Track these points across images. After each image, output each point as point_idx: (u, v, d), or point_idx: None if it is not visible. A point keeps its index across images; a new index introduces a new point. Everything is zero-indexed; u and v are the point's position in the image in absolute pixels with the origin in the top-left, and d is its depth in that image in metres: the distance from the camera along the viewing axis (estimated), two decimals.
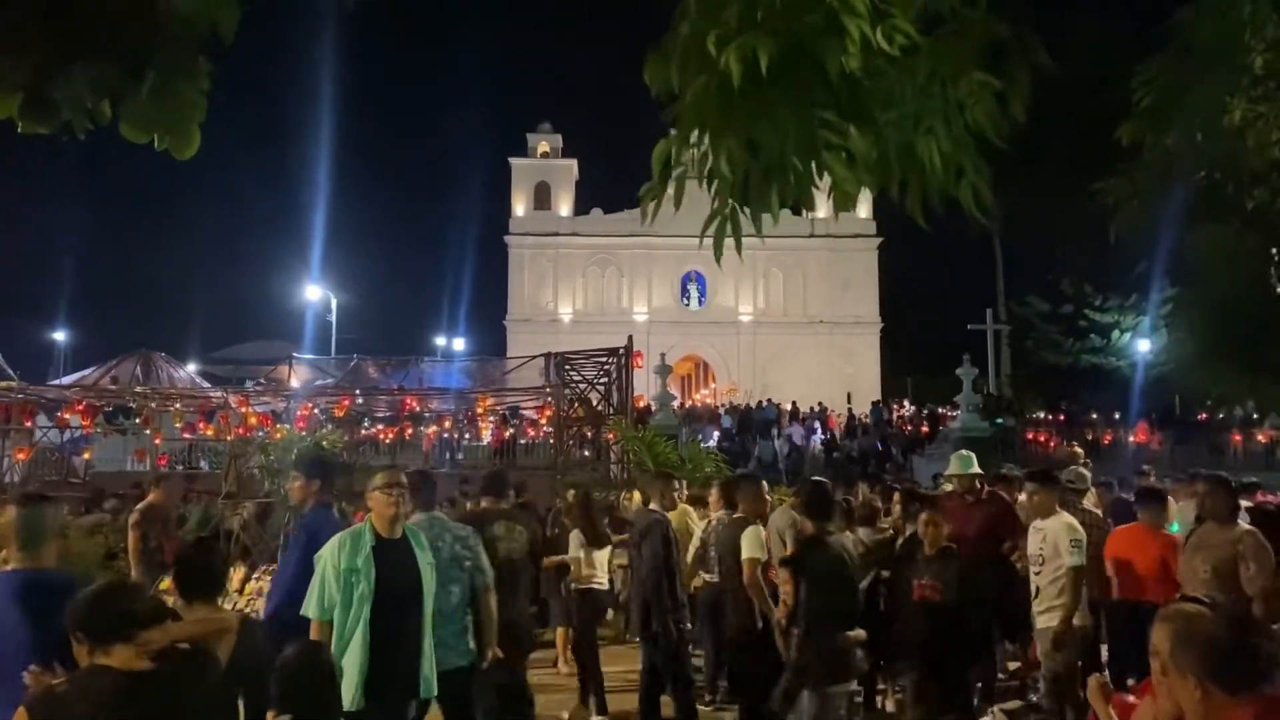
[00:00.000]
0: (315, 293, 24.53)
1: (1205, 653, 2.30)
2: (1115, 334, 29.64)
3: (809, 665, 4.96)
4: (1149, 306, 29.23)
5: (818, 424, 31.61)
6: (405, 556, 4.55)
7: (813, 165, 2.07)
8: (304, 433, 11.11)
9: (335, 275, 35.06)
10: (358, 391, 14.51)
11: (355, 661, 4.31)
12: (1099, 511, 7.16)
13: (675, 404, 38.13)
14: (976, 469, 7.34)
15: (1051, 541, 6.12)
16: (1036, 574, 6.22)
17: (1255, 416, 24.75)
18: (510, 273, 51.04)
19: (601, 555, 7.84)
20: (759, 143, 2.12)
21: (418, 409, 15.98)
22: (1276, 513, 7.53)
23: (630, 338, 14.61)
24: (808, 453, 27.98)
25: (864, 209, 51.19)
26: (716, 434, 29.99)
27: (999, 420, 22.87)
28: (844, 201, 2.11)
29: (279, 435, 10.97)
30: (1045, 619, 6.03)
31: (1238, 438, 23.07)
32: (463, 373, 16.17)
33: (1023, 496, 8.15)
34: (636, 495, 10.63)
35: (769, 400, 36.86)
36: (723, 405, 38.22)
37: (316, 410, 14.58)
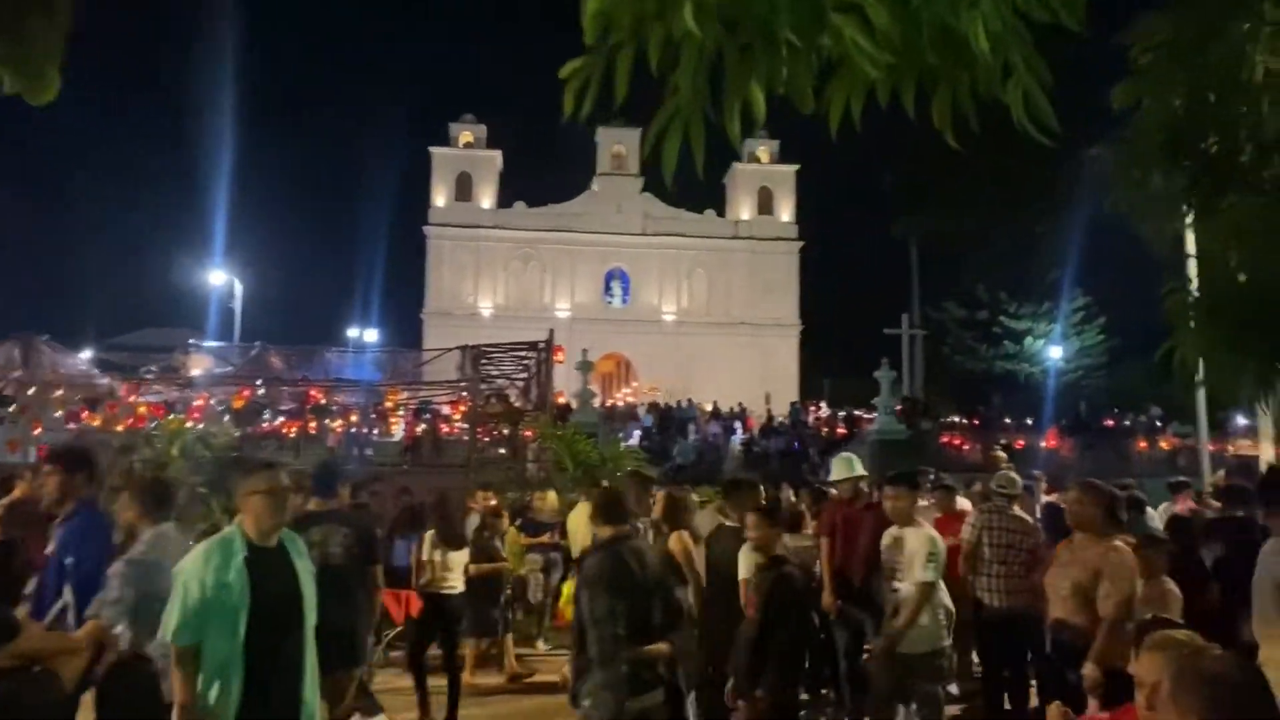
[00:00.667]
0: (219, 278, 23.26)
1: (1214, 696, 1.97)
2: (1028, 340, 30.37)
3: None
4: (1060, 315, 30.08)
5: (737, 424, 31.55)
6: (282, 566, 3.99)
7: (815, 41, 1.49)
8: (196, 425, 10.31)
9: (246, 262, 33.56)
10: (259, 382, 13.66)
11: (230, 691, 3.75)
12: (1028, 518, 6.94)
13: (596, 402, 37.78)
14: (860, 471, 7.02)
15: (909, 553, 5.79)
16: (895, 591, 5.86)
17: (1159, 424, 25.57)
18: (429, 265, 49.90)
19: (457, 558, 7.47)
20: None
21: (323, 402, 15.17)
22: (1188, 520, 7.43)
23: (551, 332, 14.11)
24: (727, 452, 27.83)
25: (786, 212, 51.73)
26: (638, 433, 29.68)
27: (925, 425, 23.05)
28: (853, 95, 1.53)
29: (174, 427, 10.18)
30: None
31: (1143, 444, 23.79)
32: (374, 365, 15.41)
33: (964, 502, 7.98)
34: (551, 495, 10.15)
35: (689, 400, 36.75)
36: (643, 404, 37.94)
37: (213, 402, 13.70)
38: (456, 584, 7.41)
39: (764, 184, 51.79)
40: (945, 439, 22.82)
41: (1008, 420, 24.97)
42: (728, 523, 6.18)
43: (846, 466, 7.03)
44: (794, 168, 51.59)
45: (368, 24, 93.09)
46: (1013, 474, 7.18)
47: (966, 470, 20.72)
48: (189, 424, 11.76)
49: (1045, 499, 8.71)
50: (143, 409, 12.98)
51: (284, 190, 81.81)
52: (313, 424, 17.54)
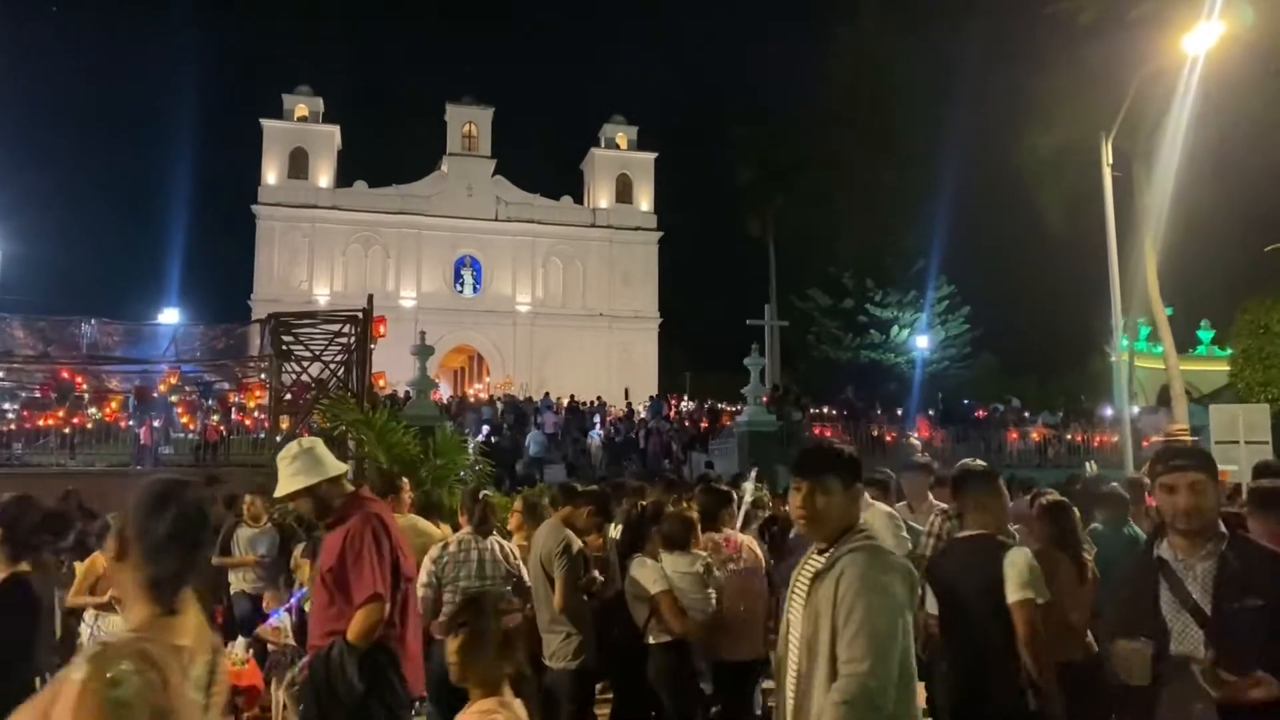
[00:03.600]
0: None
1: None
2: (894, 330, 29.68)
3: None
4: (925, 304, 29.55)
5: (597, 418, 29.57)
6: None
7: None
8: None
9: (21, 232, 28.76)
10: None
11: None
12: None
13: (444, 396, 34.90)
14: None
15: None
16: None
17: (1027, 415, 25.17)
18: (258, 246, 45.42)
19: None
20: None
21: (80, 384, 12.03)
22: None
23: (370, 298, 11.51)
24: (590, 448, 25.76)
25: (645, 201, 50.09)
26: (486, 428, 27.19)
27: (796, 415, 21.59)
28: None
29: None
30: None
31: (1014, 435, 23.21)
32: (151, 341, 12.36)
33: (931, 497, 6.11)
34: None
35: (546, 394, 34.54)
36: (499, 397, 35.46)
37: None
38: None
39: (623, 171, 49.95)
40: (816, 430, 21.42)
41: (879, 410, 23.95)
42: (969, 533, 3.89)
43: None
44: (653, 155, 50.01)
45: None
46: (978, 461, 5.29)
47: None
48: None
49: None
50: None
51: (80, 157, 73.24)
52: (77, 417, 14.24)
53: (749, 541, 5.31)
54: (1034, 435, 23.21)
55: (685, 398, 37.09)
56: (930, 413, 24.15)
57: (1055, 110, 19.92)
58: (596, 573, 5.16)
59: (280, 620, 6.62)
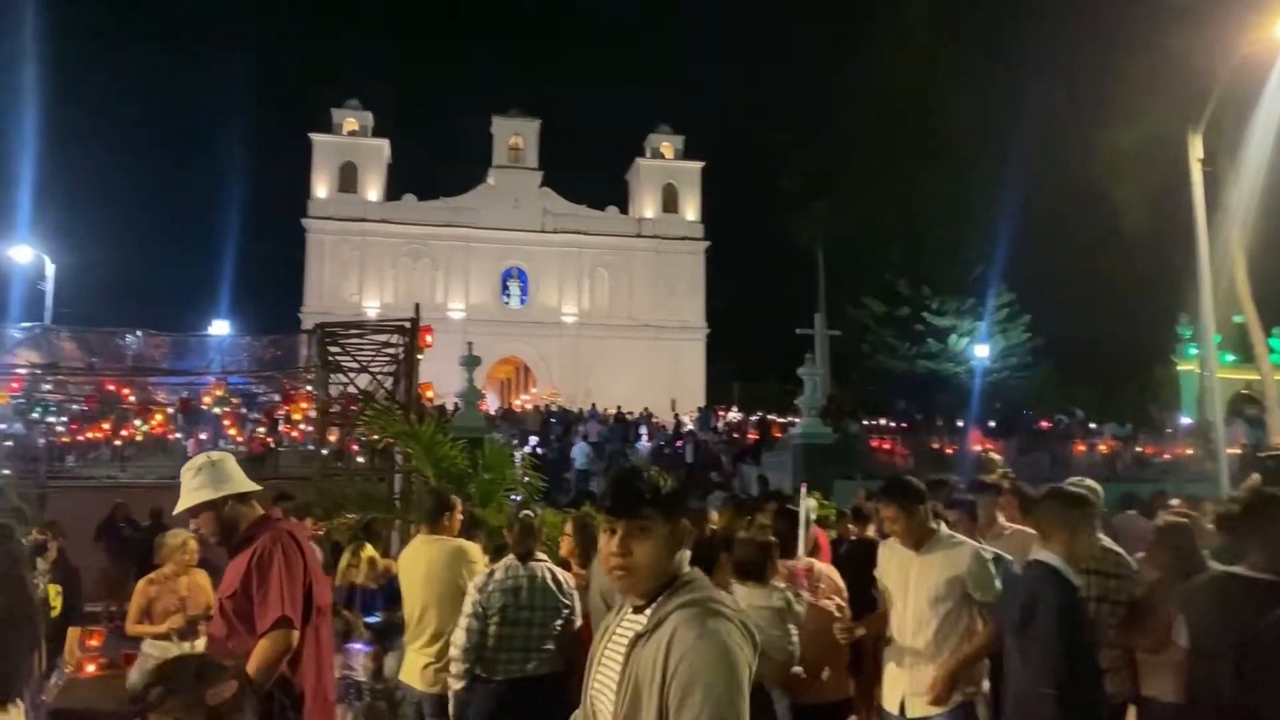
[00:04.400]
0: (25, 254, 19.22)
1: None
2: (952, 338, 28.75)
3: None
4: (985, 311, 28.59)
5: (643, 429, 29.17)
6: None
7: None
8: None
9: (75, 246, 29.11)
10: (26, 370, 10.36)
11: None
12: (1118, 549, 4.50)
13: (491, 406, 34.74)
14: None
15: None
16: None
17: (1094, 426, 24.20)
18: (308, 260, 45.86)
19: None
20: None
21: (127, 396, 11.89)
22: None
23: (417, 307, 11.22)
24: (635, 460, 25.32)
25: (691, 211, 49.67)
26: (534, 439, 26.92)
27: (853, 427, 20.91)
28: None
29: None
30: None
31: (1081, 447, 22.29)
32: (198, 353, 12.20)
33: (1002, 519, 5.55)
34: (364, 553, 7.27)
35: (593, 405, 34.25)
36: (547, 406, 35.27)
37: None
38: None
39: (668, 181, 49.60)
40: (874, 442, 20.74)
41: (939, 422, 23.16)
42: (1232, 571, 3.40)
43: None
44: (699, 164, 49.59)
45: None
46: (1092, 481, 4.74)
47: (898, 475, 18.64)
48: None
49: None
50: None
51: (133, 173, 74.52)
52: (127, 430, 14.18)
53: (828, 570, 4.81)
54: (1101, 448, 22.27)
55: (733, 408, 36.54)
56: (990, 424, 23.32)
57: (1132, 104, 18.97)
58: None
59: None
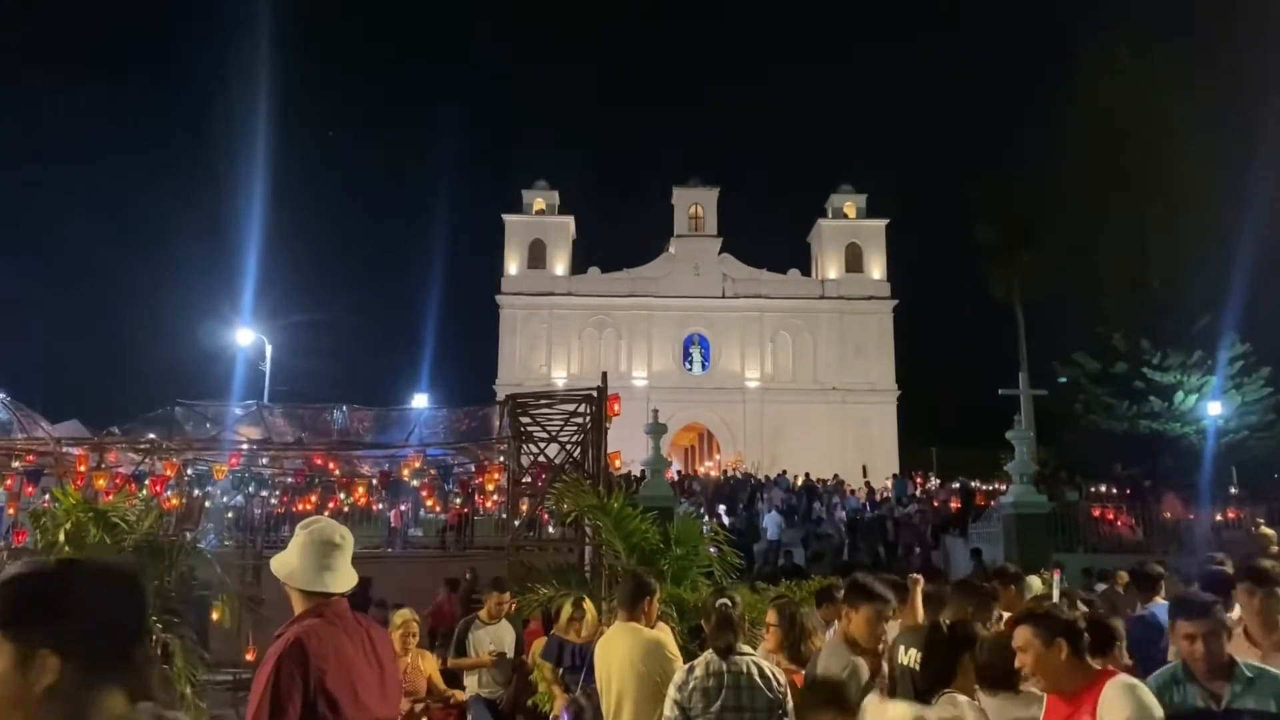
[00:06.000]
0: (247, 337, 21.00)
1: None
2: (1179, 395, 26.02)
3: None
4: (1216, 366, 25.75)
5: (836, 499, 28.00)
6: None
7: None
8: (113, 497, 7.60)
9: (292, 329, 31.60)
10: (195, 442, 10.98)
11: None
12: None
13: (674, 472, 34.54)
14: None
15: None
16: None
17: None
18: (501, 334, 47.83)
19: None
20: None
21: (333, 469, 12.39)
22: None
23: (604, 375, 11.10)
24: (829, 530, 24.32)
25: (877, 269, 48.30)
26: (723, 508, 26.34)
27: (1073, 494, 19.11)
28: None
29: (71, 499, 7.47)
30: None
31: None
32: (399, 426, 12.62)
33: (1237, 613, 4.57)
34: (587, 608, 6.98)
35: (783, 471, 33.36)
36: (733, 474, 34.67)
37: (190, 471, 11.05)
38: None
39: (852, 240, 48.55)
40: (1095, 511, 18.82)
41: (1170, 489, 20.82)
42: None
43: None
44: (884, 222, 48.32)
45: (445, 89, 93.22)
46: None
47: (1133, 552, 16.82)
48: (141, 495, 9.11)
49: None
50: (101, 481, 10.36)
51: (341, 258, 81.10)
52: (330, 499, 14.82)
53: None
54: None
55: (931, 475, 34.62)
56: (1233, 490, 20.73)
57: None
58: None
59: None
